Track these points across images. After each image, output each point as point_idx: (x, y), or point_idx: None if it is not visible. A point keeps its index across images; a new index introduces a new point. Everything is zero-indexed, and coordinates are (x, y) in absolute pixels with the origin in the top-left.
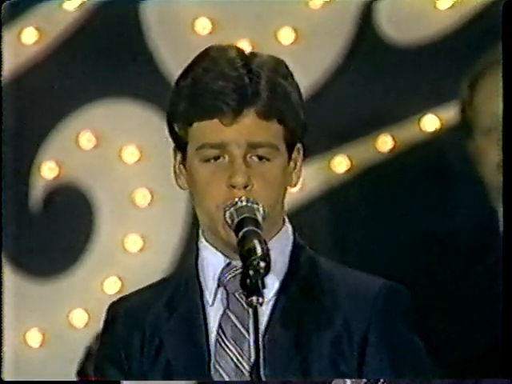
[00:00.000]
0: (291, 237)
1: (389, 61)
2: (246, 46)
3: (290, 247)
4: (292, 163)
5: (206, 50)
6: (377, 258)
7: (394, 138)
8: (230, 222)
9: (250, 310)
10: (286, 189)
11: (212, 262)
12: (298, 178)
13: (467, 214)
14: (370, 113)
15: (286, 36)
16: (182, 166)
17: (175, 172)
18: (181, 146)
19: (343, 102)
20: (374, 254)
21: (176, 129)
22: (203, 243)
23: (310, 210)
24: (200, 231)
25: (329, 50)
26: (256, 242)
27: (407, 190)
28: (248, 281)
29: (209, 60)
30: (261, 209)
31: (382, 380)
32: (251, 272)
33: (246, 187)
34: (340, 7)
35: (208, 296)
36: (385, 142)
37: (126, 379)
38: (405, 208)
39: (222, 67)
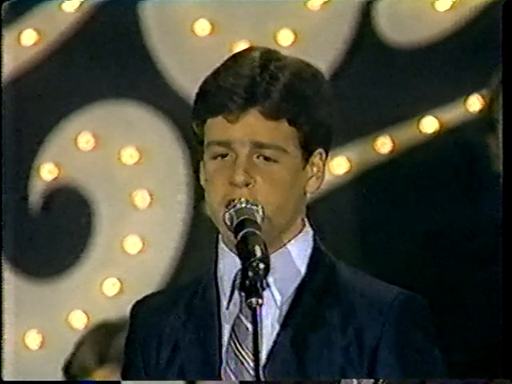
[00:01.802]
0: (311, 242)
1: (388, 62)
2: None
3: (309, 252)
4: (310, 168)
5: (239, 51)
6: (376, 260)
7: (393, 140)
8: (229, 223)
9: (250, 312)
10: (304, 193)
11: (229, 265)
12: (320, 183)
13: (467, 215)
14: (369, 114)
15: (285, 37)
16: (202, 165)
17: (199, 172)
18: (200, 144)
19: (342, 103)
20: (372, 256)
21: (194, 126)
22: (221, 246)
23: (308, 212)
24: (220, 235)
25: (327, 51)
26: (255, 243)
27: (406, 191)
28: (247, 282)
29: (232, 59)
30: (260, 210)
31: (381, 380)
32: (250, 273)
33: (247, 185)
34: (338, 8)
35: (223, 299)
36: (384, 144)
37: (141, 379)
38: (404, 210)
39: (239, 66)
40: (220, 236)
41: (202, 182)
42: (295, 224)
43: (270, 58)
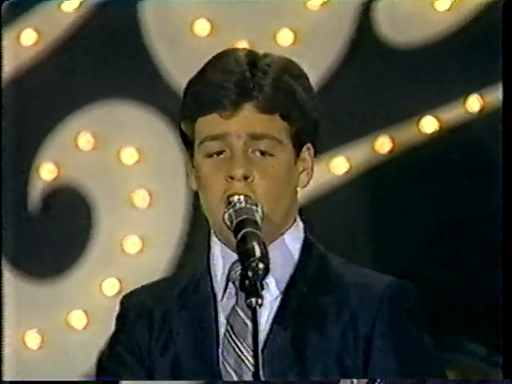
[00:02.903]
0: (302, 234)
1: (387, 62)
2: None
3: (299, 245)
4: (301, 163)
5: (221, 51)
6: (376, 259)
7: (392, 140)
8: (228, 223)
9: (250, 312)
10: (295, 189)
11: (222, 258)
12: (309, 179)
13: (467, 215)
14: (369, 114)
15: (285, 37)
16: (191, 167)
17: (187, 174)
18: (189, 145)
19: (342, 103)
20: (372, 255)
21: (183, 127)
22: (214, 240)
23: (308, 212)
24: (212, 230)
25: (327, 51)
26: (255, 243)
27: (406, 191)
28: (247, 282)
29: (218, 58)
30: (260, 210)
31: (378, 380)
32: (250, 273)
33: (246, 179)
34: (338, 8)
35: (218, 292)
36: (383, 144)
37: (134, 373)
38: (404, 210)
39: (228, 64)
40: (212, 230)
41: (193, 186)
42: (290, 219)
43: (255, 55)
